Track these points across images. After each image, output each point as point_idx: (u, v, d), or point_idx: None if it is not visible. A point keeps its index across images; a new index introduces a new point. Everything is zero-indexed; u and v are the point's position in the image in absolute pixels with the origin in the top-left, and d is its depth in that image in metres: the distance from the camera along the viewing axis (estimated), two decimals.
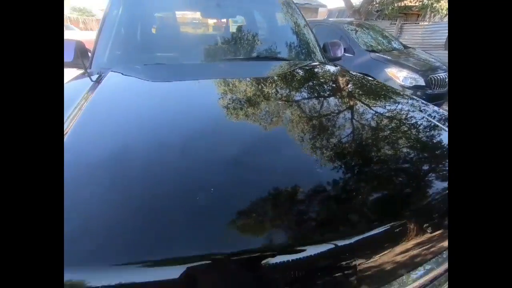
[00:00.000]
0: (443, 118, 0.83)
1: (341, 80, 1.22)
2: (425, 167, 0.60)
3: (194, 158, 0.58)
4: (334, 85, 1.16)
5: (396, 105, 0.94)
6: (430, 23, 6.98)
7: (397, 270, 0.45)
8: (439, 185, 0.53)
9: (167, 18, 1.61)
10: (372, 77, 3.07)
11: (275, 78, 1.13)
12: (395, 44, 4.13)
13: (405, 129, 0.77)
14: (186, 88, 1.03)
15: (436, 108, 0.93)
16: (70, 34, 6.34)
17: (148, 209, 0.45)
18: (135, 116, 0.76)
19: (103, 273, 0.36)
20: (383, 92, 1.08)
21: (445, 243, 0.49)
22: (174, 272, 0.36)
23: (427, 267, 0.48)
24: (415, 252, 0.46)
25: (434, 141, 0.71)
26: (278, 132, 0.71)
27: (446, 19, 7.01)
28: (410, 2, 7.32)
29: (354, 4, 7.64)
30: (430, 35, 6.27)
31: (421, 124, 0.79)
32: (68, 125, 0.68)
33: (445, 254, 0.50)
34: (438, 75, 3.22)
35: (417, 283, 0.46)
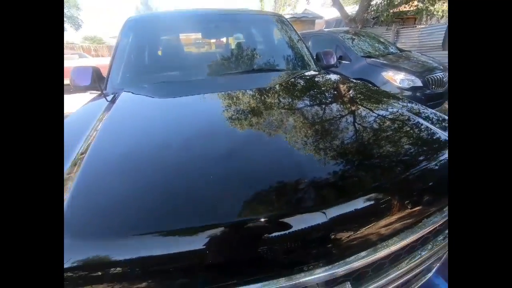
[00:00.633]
0: (441, 119, 0.89)
1: (335, 85, 1.34)
2: (421, 158, 0.67)
3: (201, 154, 0.69)
4: (329, 90, 1.28)
5: (391, 106, 1.02)
6: (425, 26, 7.10)
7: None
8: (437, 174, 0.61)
9: (172, 40, 1.79)
10: (369, 82, 3.20)
11: (276, 87, 1.26)
12: (391, 49, 4.25)
13: (402, 128, 0.83)
14: (193, 101, 1.15)
15: (432, 110, 1.00)
16: (84, 61, 6.83)
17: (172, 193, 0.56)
18: (147, 126, 0.89)
19: (127, 245, 0.46)
20: (377, 94, 1.18)
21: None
22: (190, 241, 0.46)
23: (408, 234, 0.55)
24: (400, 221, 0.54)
25: (430, 138, 0.76)
26: (280, 131, 0.80)
27: (442, 20, 7.12)
28: (405, 7, 7.50)
29: (349, 13, 7.89)
30: (427, 37, 6.37)
31: (417, 124, 0.84)
32: (91, 135, 0.82)
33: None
34: (436, 75, 3.28)
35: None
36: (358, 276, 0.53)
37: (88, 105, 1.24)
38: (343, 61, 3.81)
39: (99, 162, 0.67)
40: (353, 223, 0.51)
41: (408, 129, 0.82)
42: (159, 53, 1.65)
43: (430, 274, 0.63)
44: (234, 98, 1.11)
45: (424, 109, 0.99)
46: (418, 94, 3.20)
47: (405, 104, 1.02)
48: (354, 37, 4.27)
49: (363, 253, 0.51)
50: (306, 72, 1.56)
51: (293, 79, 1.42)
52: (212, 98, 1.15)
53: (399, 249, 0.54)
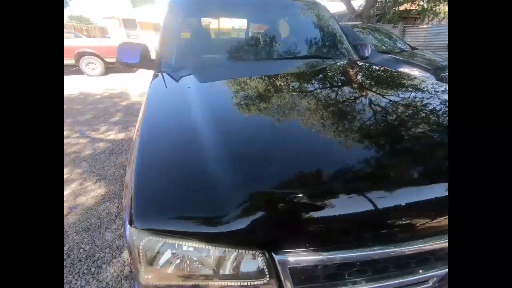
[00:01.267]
0: None
1: (387, 75, 1.36)
2: None
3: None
4: (392, 78, 1.30)
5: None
6: (431, 25, 7.23)
7: None
8: None
9: (222, 24, 1.74)
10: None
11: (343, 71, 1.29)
12: (402, 46, 4.32)
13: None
14: (270, 82, 1.15)
15: None
16: (80, 41, 6.46)
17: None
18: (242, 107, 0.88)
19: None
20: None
21: None
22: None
23: None
24: None
25: None
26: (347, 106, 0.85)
27: (443, 22, 7.29)
28: (411, 6, 7.60)
29: (356, 9, 7.89)
30: (433, 37, 6.50)
31: None
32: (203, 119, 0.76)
33: None
34: (447, 74, 3.39)
35: None
36: None
37: (159, 88, 1.14)
38: None
39: (253, 137, 0.68)
40: None
41: None
42: (212, 35, 1.61)
43: None
44: (305, 79, 1.12)
45: None
46: None
47: None
48: (363, 31, 4.30)
49: None
50: (358, 61, 1.58)
51: (357, 68, 1.43)
52: (284, 79, 1.16)
53: None
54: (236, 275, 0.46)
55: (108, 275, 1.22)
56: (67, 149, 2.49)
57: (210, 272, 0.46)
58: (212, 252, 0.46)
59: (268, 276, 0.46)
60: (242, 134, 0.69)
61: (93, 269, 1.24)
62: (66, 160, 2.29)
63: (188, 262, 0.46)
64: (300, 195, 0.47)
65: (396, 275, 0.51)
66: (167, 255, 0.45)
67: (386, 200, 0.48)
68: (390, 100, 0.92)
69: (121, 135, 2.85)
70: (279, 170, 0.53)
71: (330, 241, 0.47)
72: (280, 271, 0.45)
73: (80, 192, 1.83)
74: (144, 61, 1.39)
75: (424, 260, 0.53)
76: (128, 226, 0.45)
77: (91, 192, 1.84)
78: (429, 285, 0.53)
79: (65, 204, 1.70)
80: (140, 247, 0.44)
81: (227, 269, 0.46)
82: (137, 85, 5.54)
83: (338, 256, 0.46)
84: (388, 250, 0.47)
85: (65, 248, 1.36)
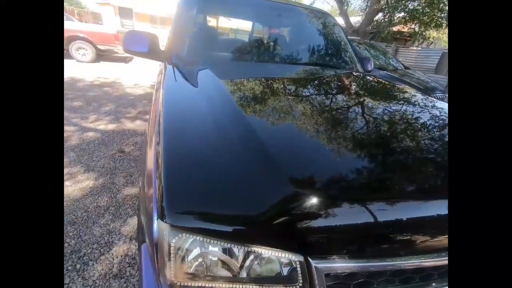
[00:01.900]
0: None
1: (393, 87, 1.41)
2: None
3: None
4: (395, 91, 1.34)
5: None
6: (421, 48, 7.64)
7: None
8: None
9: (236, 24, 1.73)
10: None
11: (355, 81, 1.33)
12: (396, 64, 4.53)
13: None
14: (284, 84, 1.16)
15: None
16: (72, 24, 6.15)
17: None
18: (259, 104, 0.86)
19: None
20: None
21: None
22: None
23: None
24: None
25: None
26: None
27: (431, 46, 7.72)
28: (403, 28, 7.99)
29: (353, 24, 8.18)
30: (423, 59, 6.88)
31: None
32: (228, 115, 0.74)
33: None
34: (437, 95, 3.58)
35: None
36: None
37: (177, 80, 1.08)
38: None
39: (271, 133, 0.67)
40: None
41: None
42: (227, 33, 1.60)
43: None
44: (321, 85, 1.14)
45: None
46: None
47: None
48: (360, 46, 4.47)
49: None
50: (363, 73, 1.62)
51: (365, 79, 1.47)
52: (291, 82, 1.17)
53: None
54: (267, 278, 0.44)
55: (95, 273, 1.13)
56: None
57: (242, 274, 0.44)
58: (244, 253, 0.43)
59: (301, 281, 0.44)
60: (281, 133, 0.68)
61: (78, 266, 1.16)
62: None
63: (219, 262, 0.43)
64: (342, 200, 0.46)
65: (421, 285, 0.51)
66: (197, 253, 0.42)
67: (418, 211, 0.48)
68: (413, 116, 0.94)
69: (111, 126, 2.72)
70: (321, 173, 0.52)
71: (367, 249, 0.46)
72: (315, 277, 0.43)
73: (66, 183, 1.72)
74: (153, 51, 1.34)
75: (443, 273, 0.53)
76: (157, 220, 0.41)
77: (78, 184, 1.73)
78: None
79: None
80: (172, 244, 0.40)
81: (258, 272, 0.44)
82: (131, 75, 5.35)
83: (374, 264, 0.45)
84: (421, 261, 0.47)
85: None
